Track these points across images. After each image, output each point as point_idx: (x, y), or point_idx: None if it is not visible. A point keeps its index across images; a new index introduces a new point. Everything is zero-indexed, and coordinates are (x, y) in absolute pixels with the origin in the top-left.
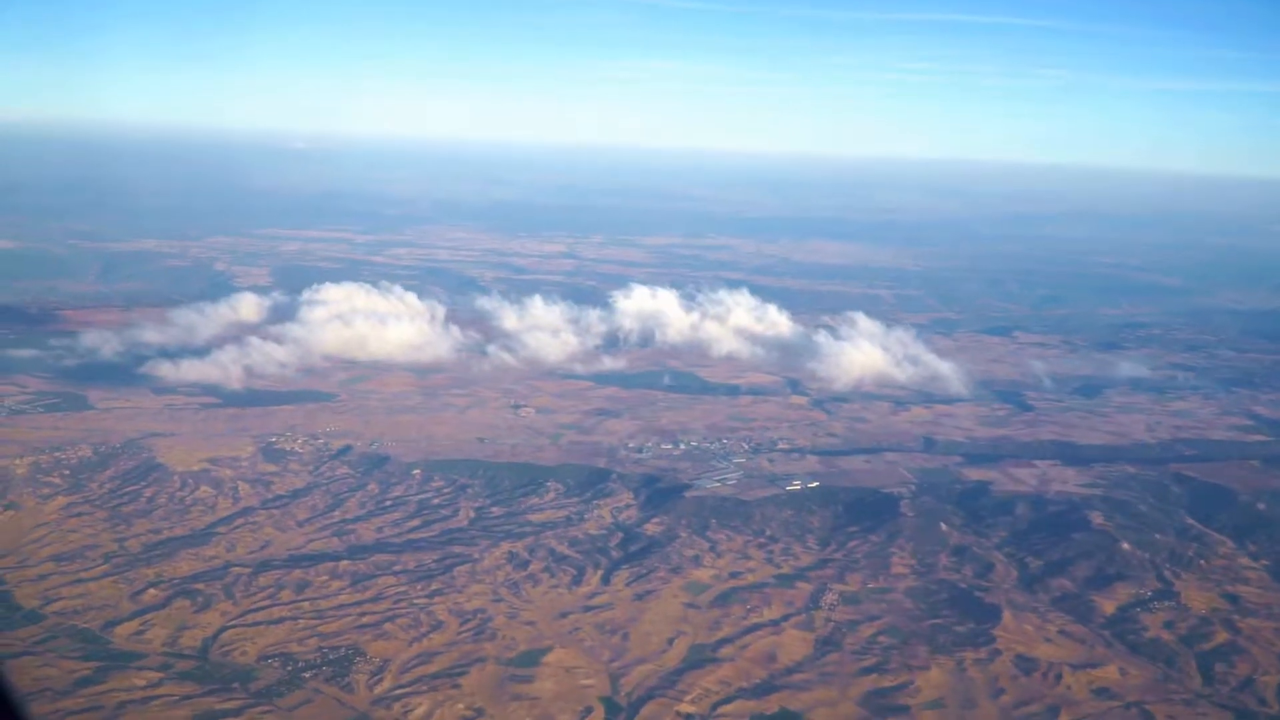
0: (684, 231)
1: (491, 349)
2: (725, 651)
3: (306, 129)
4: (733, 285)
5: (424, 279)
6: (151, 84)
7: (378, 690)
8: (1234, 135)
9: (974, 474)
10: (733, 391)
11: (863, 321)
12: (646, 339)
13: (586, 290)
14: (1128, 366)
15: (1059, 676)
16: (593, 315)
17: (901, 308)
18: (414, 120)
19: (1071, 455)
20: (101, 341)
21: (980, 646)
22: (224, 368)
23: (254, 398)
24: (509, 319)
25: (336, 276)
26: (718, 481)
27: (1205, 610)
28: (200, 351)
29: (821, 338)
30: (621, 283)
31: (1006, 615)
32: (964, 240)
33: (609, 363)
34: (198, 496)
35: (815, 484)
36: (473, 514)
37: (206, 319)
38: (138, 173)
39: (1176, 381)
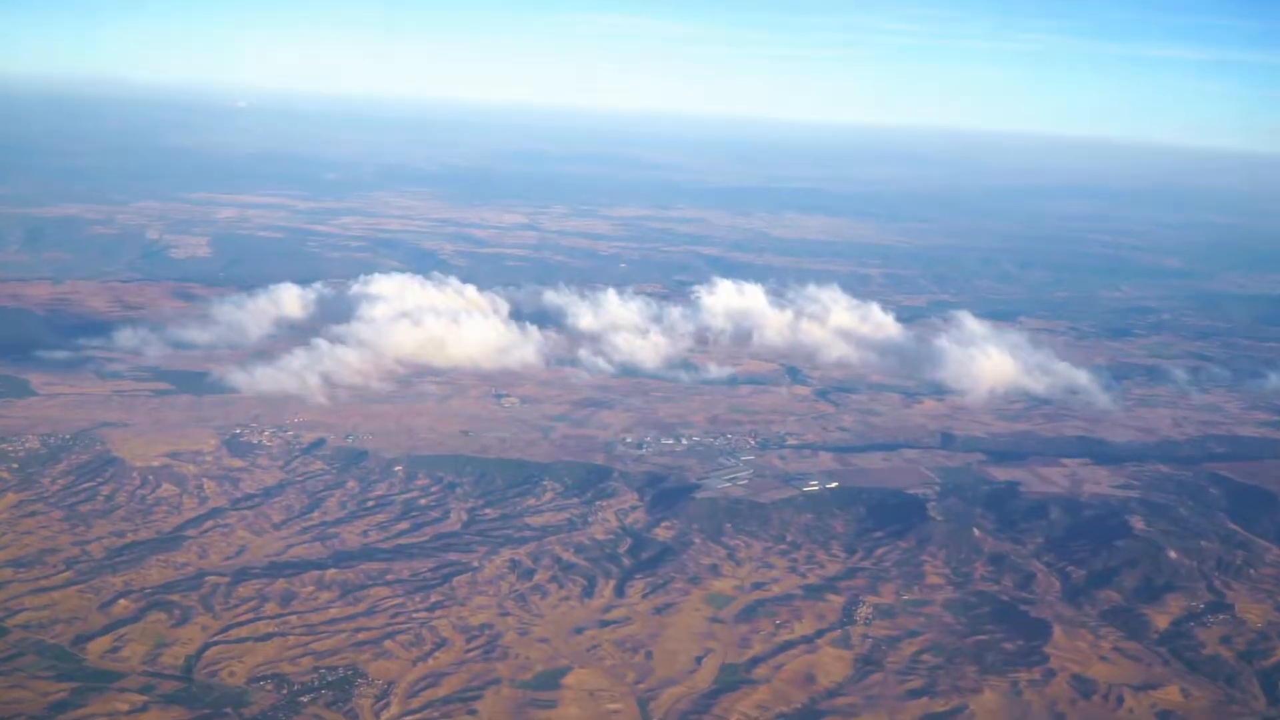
0: (651, 202)
1: (583, 353)
2: (759, 672)
3: (251, 85)
4: (711, 261)
5: (376, 251)
6: (74, 31)
7: (384, 717)
8: (1227, 107)
9: (1000, 473)
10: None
11: (970, 321)
12: (742, 340)
13: (555, 266)
14: (1141, 356)
15: (1120, 699)
16: (675, 313)
17: (894, 289)
18: (359, 77)
19: (1100, 453)
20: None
21: (1033, 666)
22: (299, 377)
23: (206, 383)
24: (584, 316)
25: (282, 248)
26: (728, 481)
27: (1261, 624)
28: (264, 355)
29: (943, 342)
30: (591, 257)
31: (1057, 631)
32: (953, 215)
33: (715, 370)
34: (160, 495)
35: (834, 484)
36: (465, 516)
37: (249, 314)
38: (54, 130)
39: (1195, 373)
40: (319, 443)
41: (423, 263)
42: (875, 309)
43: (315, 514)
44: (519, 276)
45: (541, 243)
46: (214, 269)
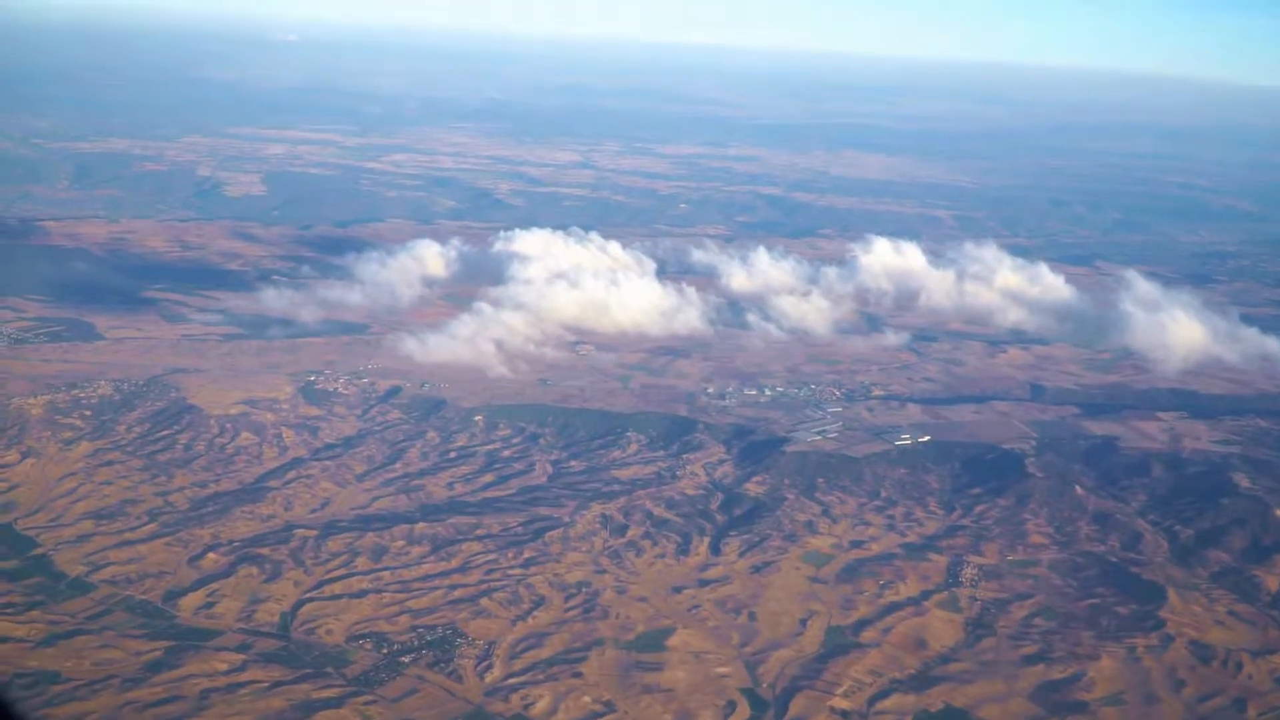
0: (705, 139)
1: (751, 318)
2: (867, 635)
3: (298, 17)
4: (772, 202)
5: (431, 190)
6: None
7: (489, 679)
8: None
9: (1096, 428)
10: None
11: (1141, 283)
12: (905, 302)
13: (615, 206)
14: (1226, 303)
15: (1239, 665)
16: (831, 273)
17: (964, 231)
18: (394, 6)
19: (1195, 407)
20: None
21: (1150, 631)
22: (473, 345)
23: (280, 325)
24: (736, 275)
25: (337, 186)
26: (817, 434)
27: None
28: (423, 319)
29: (1127, 305)
30: (650, 196)
31: (1171, 595)
32: (1015, 154)
33: (892, 337)
34: (239, 444)
35: (926, 438)
36: (550, 469)
37: (394, 272)
38: (94, 62)
39: None
40: (395, 390)
41: (479, 202)
42: (1044, 269)
43: (398, 465)
44: (579, 216)
45: (599, 181)
46: (269, 207)
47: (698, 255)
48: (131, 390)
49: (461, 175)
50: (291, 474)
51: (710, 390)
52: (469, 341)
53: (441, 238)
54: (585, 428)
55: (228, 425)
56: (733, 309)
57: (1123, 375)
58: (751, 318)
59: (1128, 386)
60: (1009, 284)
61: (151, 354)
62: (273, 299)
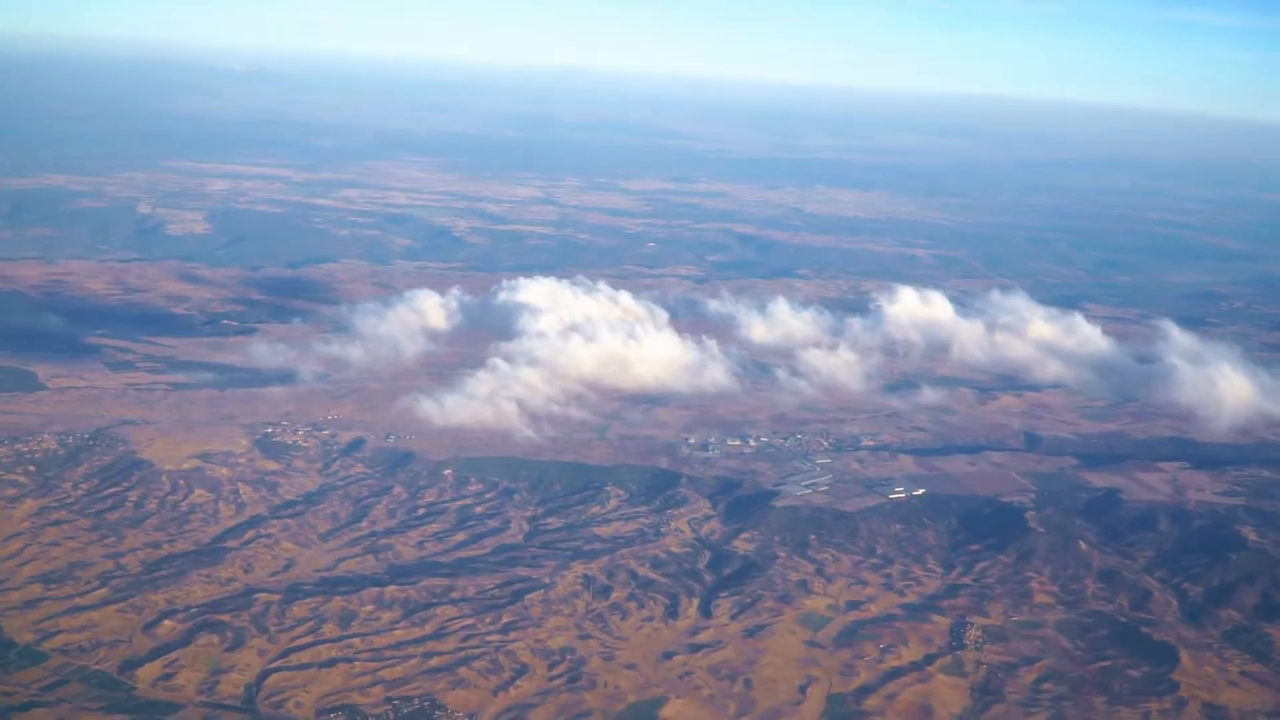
0: (671, 174)
1: (780, 374)
2: (871, 703)
3: (246, 46)
4: (744, 240)
5: (385, 228)
6: None
7: None
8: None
9: (1096, 479)
10: None
11: (1176, 333)
12: (935, 355)
13: (580, 244)
14: (1222, 349)
15: None
16: (856, 324)
17: (944, 271)
18: (342, 37)
19: (1197, 456)
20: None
21: (1163, 695)
22: (495, 405)
23: (231, 373)
24: (755, 327)
25: (285, 225)
26: (807, 487)
27: None
28: (433, 378)
29: (1171, 359)
30: (617, 235)
31: (1184, 656)
32: (994, 190)
33: (929, 394)
34: (194, 501)
35: (921, 491)
36: (526, 526)
37: (393, 325)
38: (29, 94)
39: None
40: (358, 443)
41: (437, 240)
42: (1079, 320)
43: (364, 523)
44: (544, 255)
45: (562, 219)
46: (214, 247)
47: (712, 305)
48: (77, 444)
49: (417, 212)
50: (250, 533)
51: (692, 441)
52: (489, 401)
53: (400, 280)
54: (561, 481)
55: (180, 481)
56: (757, 364)
57: (1120, 423)
58: (780, 373)
59: (1126, 435)
60: (1043, 335)
61: (96, 404)
62: (265, 355)
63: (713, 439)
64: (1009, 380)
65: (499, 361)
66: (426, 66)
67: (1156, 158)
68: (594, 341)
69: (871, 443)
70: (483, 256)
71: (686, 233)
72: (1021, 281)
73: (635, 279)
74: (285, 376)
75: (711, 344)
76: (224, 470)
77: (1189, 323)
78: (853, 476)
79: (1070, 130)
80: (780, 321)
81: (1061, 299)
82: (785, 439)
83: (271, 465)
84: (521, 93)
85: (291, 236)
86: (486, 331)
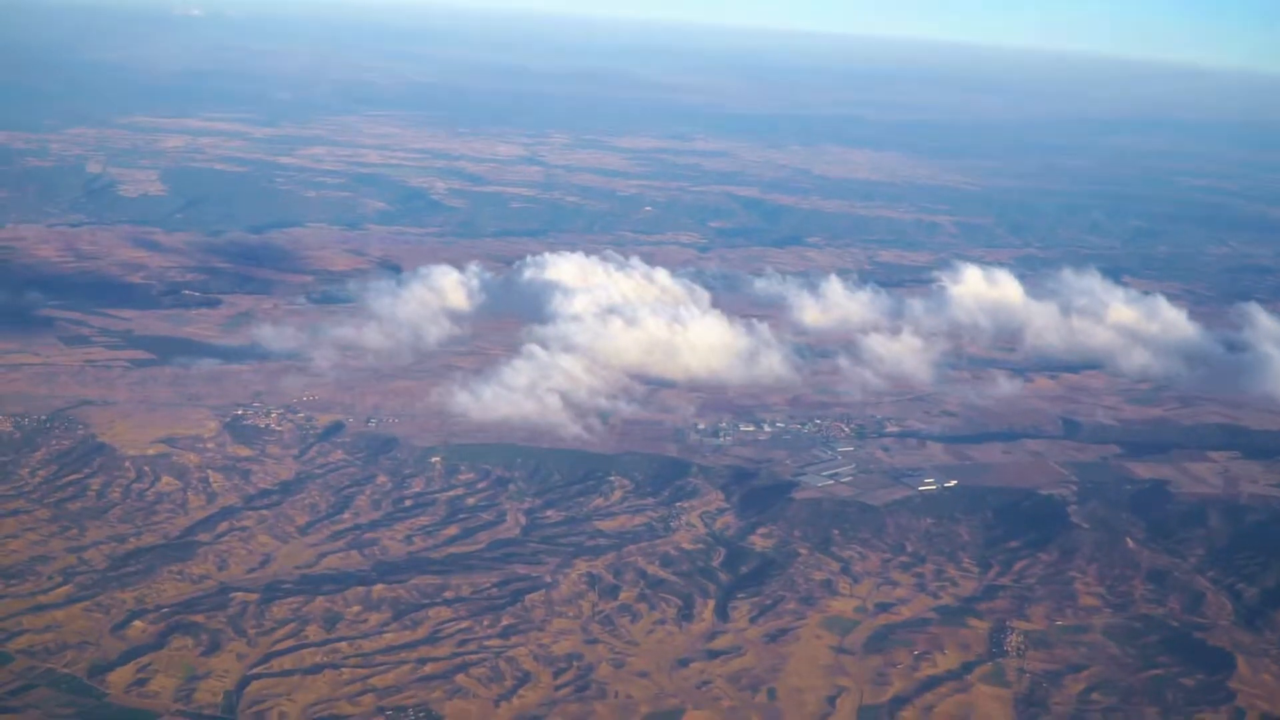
0: (666, 131)
1: (842, 362)
2: (906, 715)
3: None
4: (749, 205)
5: (357, 189)
6: None
7: None
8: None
9: (1142, 470)
10: None
11: (1263, 317)
12: (1007, 341)
13: (569, 208)
14: (1271, 325)
15: None
16: (917, 306)
17: (967, 240)
18: None
19: (1248, 445)
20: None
21: (1219, 705)
22: (538, 399)
23: (195, 350)
24: (808, 309)
25: (247, 186)
26: (828, 478)
27: None
28: (462, 366)
29: (1268, 346)
30: (609, 198)
31: (1241, 663)
32: (1019, 151)
33: (1004, 384)
34: (161, 490)
35: (953, 482)
36: (523, 519)
37: (411, 306)
38: None
39: None
40: (337, 427)
41: (413, 203)
42: (1162, 303)
43: (346, 515)
44: (529, 220)
45: (549, 180)
46: (171, 210)
47: (758, 284)
48: (33, 427)
49: (390, 172)
50: (223, 526)
51: (701, 426)
52: (529, 393)
53: (375, 245)
54: (560, 471)
55: (145, 468)
56: (815, 349)
57: (1165, 409)
58: (842, 361)
59: (1172, 422)
60: (1123, 319)
61: (52, 383)
62: (271, 338)
63: (724, 424)
64: (1099, 368)
65: (535, 348)
66: (394, 10)
67: (1193, 117)
68: (636, 326)
69: (897, 429)
70: (463, 221)
71: (685, 196)
72: (1052, 252)
73: (632, 247)
74: (248, 353)
75: (763, 328)
76: (192, 456)
77: (1234, 299)
78: (878, 466)
79: (1103, 87)
80: (835, 303)
81: (1100, 271)
82: (803, 424)
83: (243, 451)
84: (497, 39)
85: (254, 198)
86: (513, 313)
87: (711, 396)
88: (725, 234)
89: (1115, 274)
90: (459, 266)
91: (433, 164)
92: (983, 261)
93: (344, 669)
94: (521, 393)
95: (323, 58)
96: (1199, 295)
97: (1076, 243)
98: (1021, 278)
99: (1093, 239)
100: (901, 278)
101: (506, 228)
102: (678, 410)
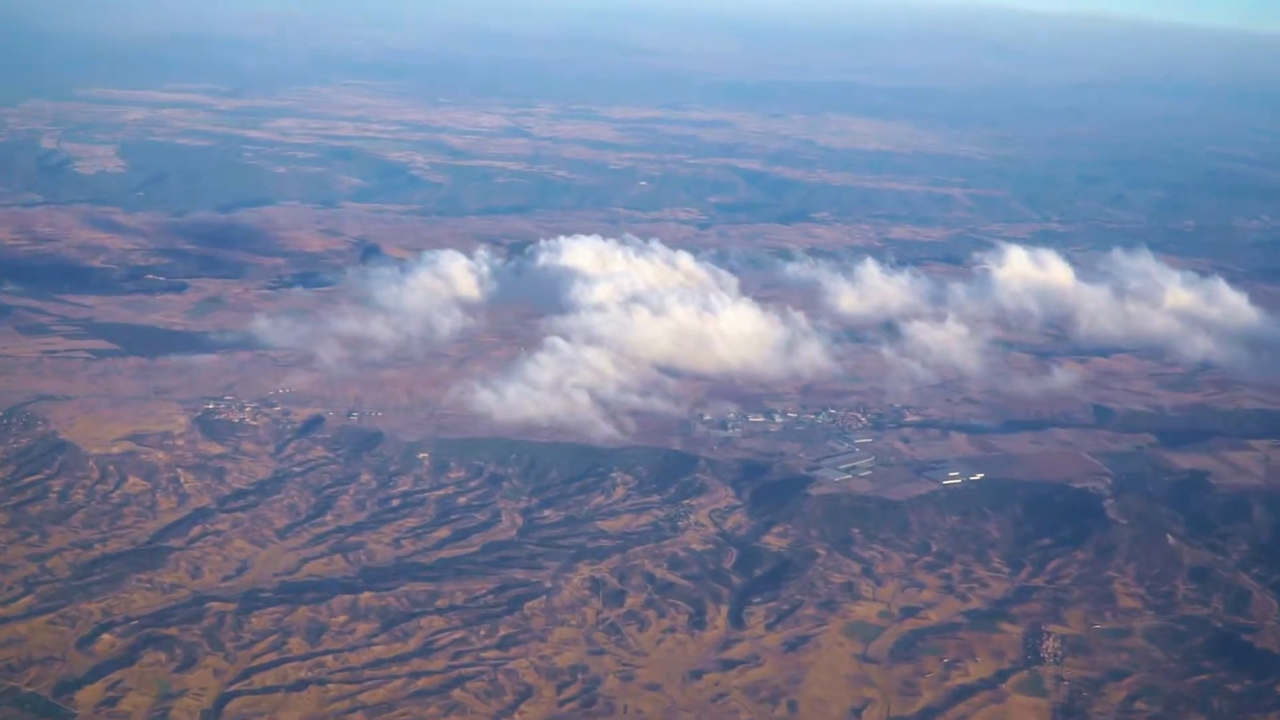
0: (660, 100)
1: (887, 353)
2: None
3: None
4: (751, 179)
5: (330, 164)
6: None
7: None
8: None
9: (1180, 460)
10: None
11: None
12: (1058, 328)
13: (559, 184)
14: None
15: None
16: (960, 291)
17: (982, 214)
18: None
19: None
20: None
21: (1268, 711)
22: (566, 397)
23: (161, 339)
24: (842, 295)
25: (212, 161)
26: (846, 472)
27: None
28: (482, 361)
29: None
30: (600, 172)
31: None
32: (1032, 118)
33: (1060, 375)
34: (127, 492)
35: (979, 476)
36: (519, 520)
37: (410, 291)
38: None
39: None
40: (316, 421)
41: (392, 178)
42: (1221, 285)
43: (328, 517)
44: (516, 196)
45: (536, 153)
46: (131, 188)
47: (789, 269)
48: None
49: (366, 145)
50: (196, 530)
51: (707, 417)
52: (555, 390)
53: (351, 225)
54: (557, 467)
55: (110, 467)
56: (854, 338)
57: (1203, 394)
58: (887, 352)
59: (1210, 408)
60: (1181, 303)
61: (9, 376)
62: (268, 330)
63: (731, 415)
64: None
65: (557, 341)
66: None
67: (1211, 80)
68: (663, 315)
69: (916, 418)
70: (445, 197)
71: (682, 169)
72: (1074, 226)
73: (627, 224)
74: (217, 342)
75: (799, 317)
76: (160, 454)
77: (1270, 276)
78: (898, 459)
79: (1112, 48)
80: (872, 287)
81: (1122, 246)
82: (816, 414)
83: (215, 448)
84: (479, 2)
85: (221, 174)
86: (528, 302)
87: (716, 384)
88: (726, 209)
89: (1139, 249)
90: (441, 246)
91: (412, 136)
92: (1001, 237)
93: (330, 685)
94: (546, 391)
95: (294, 21)
96: (1232, 273)
97: (1098, 216)
98: (1068, 259)
99: (1114, 211)
100: (918, 255)
101: (491, 204)
102: (681, 400)
